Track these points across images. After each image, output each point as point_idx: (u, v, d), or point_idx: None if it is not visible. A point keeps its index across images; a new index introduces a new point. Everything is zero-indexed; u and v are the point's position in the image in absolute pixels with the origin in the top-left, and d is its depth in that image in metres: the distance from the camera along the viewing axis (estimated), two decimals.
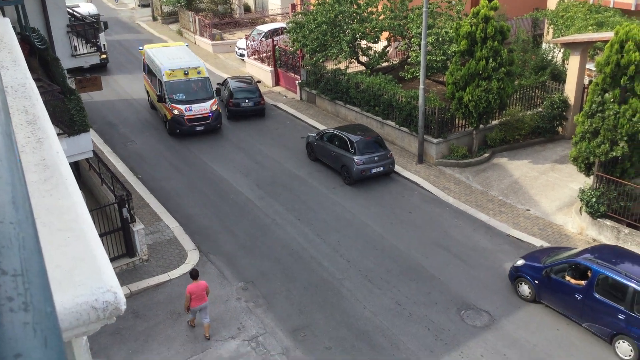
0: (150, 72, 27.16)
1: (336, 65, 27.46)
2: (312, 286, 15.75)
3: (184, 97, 24.88)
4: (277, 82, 31.89)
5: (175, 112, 24.53)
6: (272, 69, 31.76)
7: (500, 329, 14.11)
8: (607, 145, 16.23)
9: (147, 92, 28.70)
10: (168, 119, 24.98)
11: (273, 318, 14.67)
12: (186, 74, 25.10)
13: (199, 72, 25.42)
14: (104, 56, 33.31)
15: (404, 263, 16.62)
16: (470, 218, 18.84)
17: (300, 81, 29.52)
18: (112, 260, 16.32)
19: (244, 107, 27.08)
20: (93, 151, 17.41)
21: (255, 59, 33.55)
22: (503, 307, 14.83)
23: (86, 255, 2.19)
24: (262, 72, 32.48)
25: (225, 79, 29.33)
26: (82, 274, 2.08)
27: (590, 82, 18.60)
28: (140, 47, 29.11)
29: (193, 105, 24.64)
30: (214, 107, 25.10)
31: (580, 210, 17.73)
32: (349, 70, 27.13)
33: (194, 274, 14.02)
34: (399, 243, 17.55)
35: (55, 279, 2.02)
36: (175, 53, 26.88)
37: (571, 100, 22.90)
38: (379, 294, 15.39)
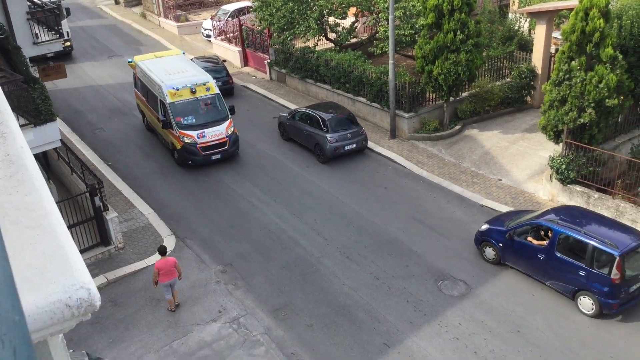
0: (145, 89, 22.83)
1: (305, 43, 27.24)
2: (291, 265, 15.82)
3: (194, 120, 20.74)
4: (245, 63, 31.54)
5: (186, 140, 20.27)
6: (240, 49, 31.37)
7: (477, 297, 14.39)
8: (575, 113, 16.49)
9: (142, 112, 24.33)
10: (177, 149, 20.64)
11: (253, 299, 14.73)
12: (193, 92, 20.81)
13: (208, 89, 21.11)
14: (68, 44, 32.50)
15: (381, 238, 16.78)
16: (444, 190, 19.05)
17: (269, 61, 29.23)
18: (86, 249, 16.17)
19: None
20: (61, 140, 17.07)
21: (222, 39, 33.07)
22: (479, 275, 15.11)
23: (57, 251, 2.15)
24: (230, 53, 32.06)
25: (191, 60, 28.89)
26: (53, 271, 2.04)
27: (557, 50, 18.81)
28: (130, 60, 24.57)
29: (206, 130, 20.46)
30: (231, 130, 20.98)
31: (550, 177, 18.06)
32: (317, 48, 26.93)
33: (162, 251, 14.28)
34: (375, 218, 17.69)
35: (27, 278, 1.99)
36: (174, 65, 22.46)
37: (539, 69, 23.16)
38: (357, 269, 15.53)
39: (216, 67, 27.64)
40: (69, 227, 15.83)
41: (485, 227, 15.75)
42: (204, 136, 20.35)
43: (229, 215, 18.28)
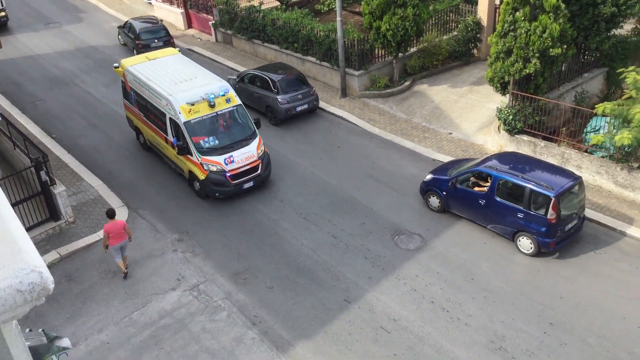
0: (143, 103, 18.45)
1: (249, 2, 26.58)
2: (249, 230, 15.79)
3: (217, 141, 16.79)
4: (189, 25, 30.63)
5: (212, 167, 16.39)
6: (183, 10, 30.39)
7: (432, 249, 14.76)
8: (521, 64, 16.77)
9: (136, 128, 19.80)
10: (200, 179, 16.69)
11: (212, 265, 14.68)
12: (212, 105, 16.75)
13: (228, 100, 17.15)
14: (3, 14, 31.05)
15: (337, 197, 16.89)
16: (396, 147, 19.23)
17: (213, 22, 28.46)
18: (36, 226, 15.70)
19: (154, 47, 26.37)
20: (1, 114, 16.31)
21: (163, 1, 31.92)
22: (434, 228, 15.47)
23: (4, 235, 2.04)
24: (172, 15, 31.04)
25: (127, 21, 28.06)
26: (1, 255, 1.94)
27: (502, 2, 18.93)
28: (116, 65, 19.85)
29: (234, 153, 16.62)
30: (262, 149, 17.24)
31: (498, 128, 18.45)
32: (263, 7, 26.35)
33: (110, 214, 14.11)
34: (331, 178, 17.75)
35: None
36: (178, 70, 18.24)
37: (484, 21, 23.35)
38: (315, 230, 15.64)
39: (155, 27, 27.02)
40: (15, 204, 15.29)
41: (429, 177, 16.20)
42: (232, 161, 16.51)
43: (182, 182, 18.00)
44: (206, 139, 16.73)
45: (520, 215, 14.05)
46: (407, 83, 22.65)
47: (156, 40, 26.50)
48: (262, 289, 13.87)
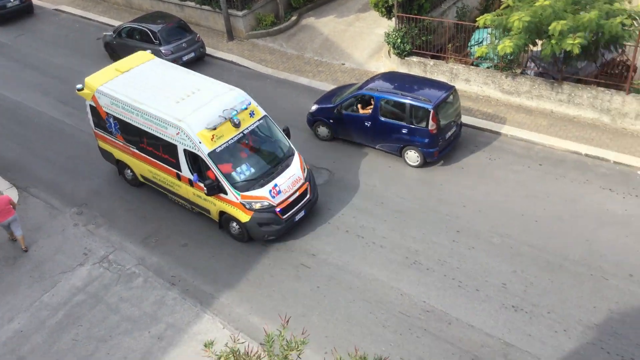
0: (135, 133, 14.12)
1: None
2: (151, 192, 15.17)
3: (252, 169, 13.25)
4: None
5: (256, 205, 12.85)
6: None
7: (340, 180, 14.92)
8: None
9: (119, 161, 15.37)
10: (242, 222, 13.03)
11: (118, 234, 14.08)
12: (237, 124, 13.16)
13: (252, 114, 13.57)
14: None
15: None
16: (292, 84, 18.98)
17: None
18: None
19: (11, 8, 24.71)
20: None
21: None
22: (339, 160, 15.59)
23: None
24: None
25: None
26: None
27: None
28: (79, 86, 15.03)
29: (278, 180, 13.14)
30: (305, 167, 13.86)
31: (389, 53, 18.61)
32: None
33: None
34: None
35: None
36: (172, 83, 14.29)
37: None
38: None
39: None
40: None
41: (314, 107, 16.33)
42: (279, 191, 13.03)
43: (71, 152, 16.92)
44: (239, 169, 13.13)
45: (404, 130, 14.59)
46: (293, 18, 22.20)
47: (12, 0, 24.52)
48: (176, 248, 13.53)
